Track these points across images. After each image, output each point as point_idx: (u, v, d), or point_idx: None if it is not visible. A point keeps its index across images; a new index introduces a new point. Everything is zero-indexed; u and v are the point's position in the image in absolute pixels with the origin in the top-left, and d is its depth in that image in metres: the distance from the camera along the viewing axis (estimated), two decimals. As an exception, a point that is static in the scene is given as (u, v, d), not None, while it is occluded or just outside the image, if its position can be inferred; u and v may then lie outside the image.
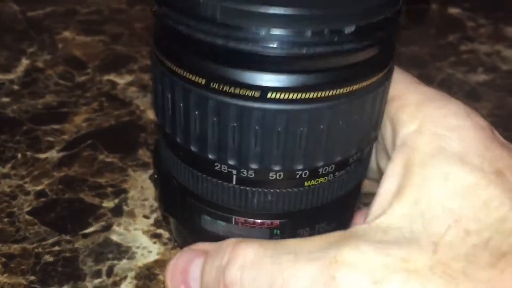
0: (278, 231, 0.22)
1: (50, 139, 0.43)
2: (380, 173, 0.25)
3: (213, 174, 0.21)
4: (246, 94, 0.18)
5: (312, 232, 0.22)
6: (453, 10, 0.69)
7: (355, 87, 0.19)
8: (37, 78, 0.51)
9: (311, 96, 0.18)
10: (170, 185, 0.24)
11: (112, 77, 0.52)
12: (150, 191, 0.39)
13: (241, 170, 0.20)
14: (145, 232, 0.35)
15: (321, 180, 0.21)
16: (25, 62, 0.53)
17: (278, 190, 0.21)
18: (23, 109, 0.46)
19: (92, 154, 0.42)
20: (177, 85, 0.20)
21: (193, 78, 0.19)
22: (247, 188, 0.21)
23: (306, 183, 0.21)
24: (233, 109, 0.18)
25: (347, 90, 0.19)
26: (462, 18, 0.67)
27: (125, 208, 0.37)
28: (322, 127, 0.19)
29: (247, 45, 0.17)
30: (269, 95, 0.18)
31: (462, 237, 0.18)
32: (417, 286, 0.17)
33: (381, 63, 0.21)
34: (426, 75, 0.54)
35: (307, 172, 0.20)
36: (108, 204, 0.37)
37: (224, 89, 0.18)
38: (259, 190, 0.21)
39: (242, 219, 0.22)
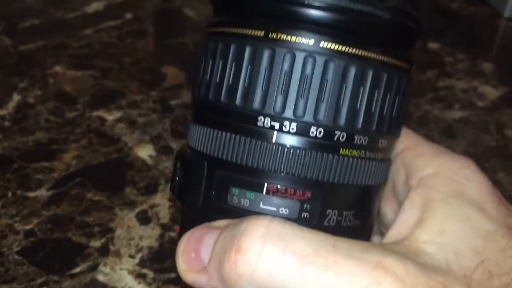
0: (309, 206, 0.22)
1: (40, 177, 0.44)
2: (383, 221, 0.27)
3: (253, 133, 0.22)
4: (299, 41, 0.21)
5: (340, 219, 0.22)
6: (433, 45, 0.71)
7: (392, 60, 0.22)
8: (28, 114, 0.52)
9: (362, 53, 0.21)
10: (197, 166, 0.24)
11: (101, 113, 0.53)
12: (136, 229, 0.40)
13: (284, 124, 0.21)
14: (130, 272, 0.36)
15: (355, 152, 0.22)
16: (16, 97, 0.55)
17: (314, 152, 0.22)
18: (14, 146, 0.48)
19: (80, 192, 0.43)
20: (233, 42, 0.22)
21: (249, 32, 0.22)
22: (286, 147, 0.21)
23: (341, 151, 0.22)
24: (286, 56, 0.21)
25: (397, 64, 0.22)
26: (441, 53, 0.69)
27: (111, 247, 0.38)
28: (362, 88, 0.21)
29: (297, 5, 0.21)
30: (321, 44, 0.21)
31: (487, 278, 0.20)
32: None
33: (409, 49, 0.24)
34: (405, 112, 0.56)
35: (345, 134, 0.22)
36: (95, 243, 0.38)
37: (280, 38, 0.21)
38: (297, 149, 0.21)
39: (274, 186, 0.22)
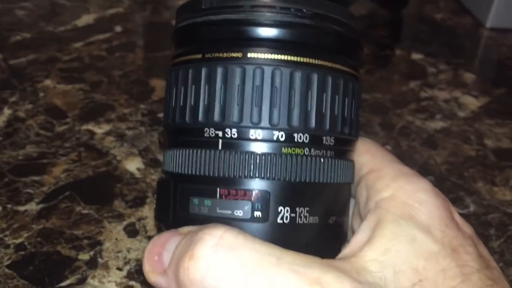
0: (259, 205, 0.23)
1: (30, 191, 0.45)
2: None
3: (202, 144, 0.24)
4: (231, 56, 0.23)
5: (293, 216, 0.24)
6: (416, 56, 0.73)
7: (337, 66, 0.24)
8: (18, 128, 0.53)
9: (290, 58, 0.23)
10: (166, 185, 0.26)
11: (90, 126, 0.54)
12: (124, 242, 0.41)
13: (225, 131, 0.23)
14: (118, 285, 0.37)
15: (297, 150, 0.24)
16: (7, 111, 0.56)
17: (258, 153, 0.23)
18: (5, 161, 0.49)
19: (69, 206, 0.44)
20: (180, 68, 0.25)
21: (192, 57, 0.24)
22: (231, 152, 0.23)
23: (283, 149, 0.24)
24: (220, 71, 0.23)
25: (328, 65, 0.24)
26: (424, 64, 0.71)
27: (99, 260, 0.39)
28: (295, 88, 0.23)
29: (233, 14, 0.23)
30: (249, 55, 0.23)
31: None
32: None
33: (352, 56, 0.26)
34: (387, 123, 0.58)
35: (283, 134, 0.23)
36: (84, 256, 0.40)
37: (215, 56, 0.23)
38: (242, 152, 0.23)
39: (225, 190, 0.23)
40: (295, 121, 0.23)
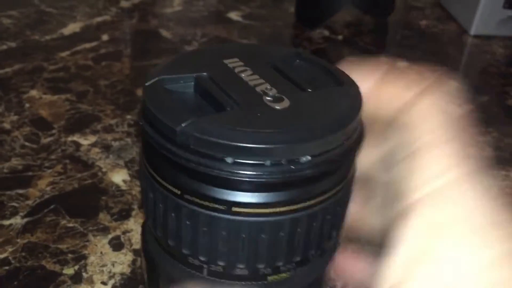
0: None
1: (15, 204, 0.45)
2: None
3: (187, 265, 0.24)
4: (215, 206, 0.22)
5: None
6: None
7: (312, 202, 0.22)
8: (3, 140, 0.53)
9: (271, 211, 0.22)
10: (153, 268, 0.26)
11: (76, 137, 0.54)
12: (109, 256, 0.41)
13: (211, 265, 0.23)
14: (102, 299, 0.38)
15: (283, 275, 0.24)
16: (-8, 123, 0.56)
17: (243, 283, 0.24)
18: (-11, 174, 0.49)
19: (54, 219, 0.44)
20: (158, 191, 0.23)
21: (170, 188, 0.22)
22: (217, 279, 0.23)
23: (269, 278, 0.24)
24: (203, 217, 0.22)
25: (304, 206, 0.22)
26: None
27: (84, 274, 0.39)
28: (282, 234, 0.22)
29: (215, 171, 0.21)
30: (234, 209, 0.22)
31: None
32: None
33: (337, 181, 0.24)
34: (372, 132, 0.59)
35: (270, 269, 0.23)
36: (68, 271, 0.40)
37: (195, 201, 0.22)
38: (227, 282, 0.23)
39: None
40: (282, 260, 0.23)
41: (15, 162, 0.50)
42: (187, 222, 0.22)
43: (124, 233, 0.44)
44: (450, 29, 0.85)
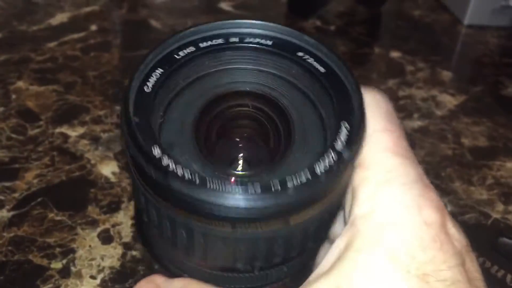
0: None
1: (1, 197, 0.44)
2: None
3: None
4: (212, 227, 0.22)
5: None
6: (395, 54, 0.73)
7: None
8: (-11, 132, 0.52)
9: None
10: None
11: (64, 129, 0.53)
12: (98, 249, 0.40)
13: None
14: (91, 294, 0.37)
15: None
16: (-23, 115, 0.54)
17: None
18: (-25, 166, 0.47)
19: (42, 212, 0.43)
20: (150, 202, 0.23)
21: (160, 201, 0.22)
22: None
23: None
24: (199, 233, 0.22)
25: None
26: (403, 62, 0.71)
27: (72, 269, 0.39)
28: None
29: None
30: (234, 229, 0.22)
31: None
32: None
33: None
34: (365, 122, 0.58)
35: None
36: (56, 265, 0.39)
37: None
38: None
39: None
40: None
41: (1, 154, 0.49)
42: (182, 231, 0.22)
43: (113, 226, 0.43)
44: (444, 19, 0.84)
